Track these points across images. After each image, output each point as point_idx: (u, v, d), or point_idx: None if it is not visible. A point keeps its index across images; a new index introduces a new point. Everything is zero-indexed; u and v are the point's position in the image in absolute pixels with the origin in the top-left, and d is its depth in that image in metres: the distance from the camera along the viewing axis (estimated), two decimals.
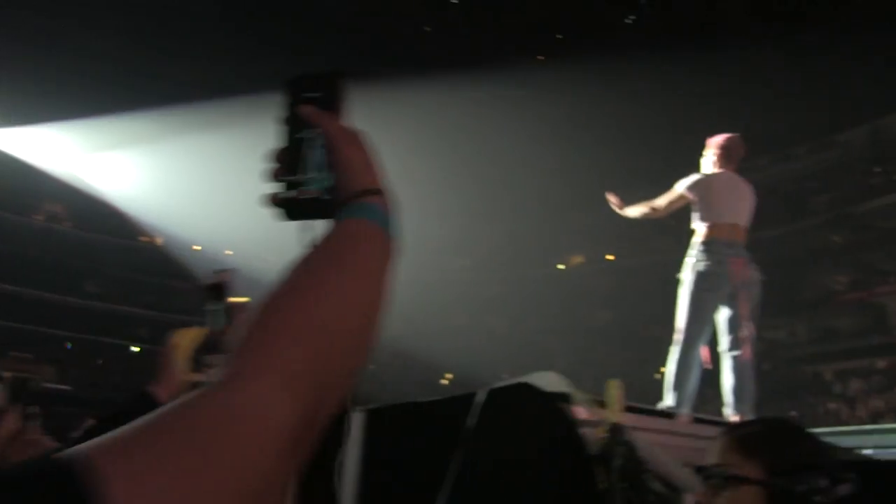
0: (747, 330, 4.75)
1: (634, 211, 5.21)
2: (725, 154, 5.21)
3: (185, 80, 35.29)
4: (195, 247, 39.93)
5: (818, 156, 40.70)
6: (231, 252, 41.42)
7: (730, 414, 4.67)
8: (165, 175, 37.94)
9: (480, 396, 2.36)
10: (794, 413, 27.81)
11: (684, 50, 33.76)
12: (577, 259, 46.13)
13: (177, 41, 35.20)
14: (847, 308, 35.37)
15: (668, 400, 4.71)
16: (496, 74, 37.95)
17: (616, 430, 2.26)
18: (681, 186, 5.02)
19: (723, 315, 4.79)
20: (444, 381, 42.75)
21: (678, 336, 4.74)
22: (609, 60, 33.92)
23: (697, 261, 4.82)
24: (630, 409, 2.49)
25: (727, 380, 4.73)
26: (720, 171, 5.18)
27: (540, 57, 38.48)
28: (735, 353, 4.74)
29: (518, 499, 2.16)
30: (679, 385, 4.71)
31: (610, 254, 43.75)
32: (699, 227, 4.95)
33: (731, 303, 4.81)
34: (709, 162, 5.27)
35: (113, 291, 39.99)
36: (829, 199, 37.91)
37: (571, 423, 2.26)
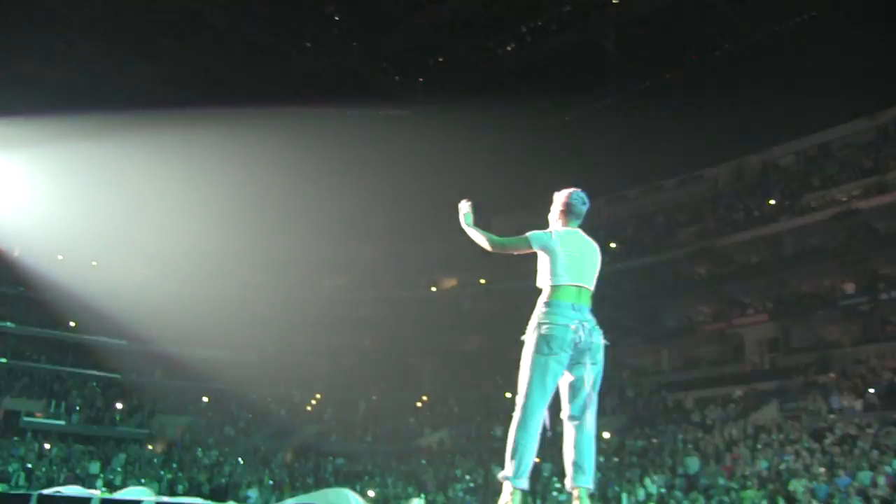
0: (591, 397, 4.51)
1: (474, 232, 4.91)
2: (569, 211, 4.96)
3: (47, 88, 33.57)
4: (59, 257, 37.84)
5: (687, 189, 42.17)
6: (95, 263, 39.64)
7: (569, 486, 4.43)
8: (25, 182, 35.91)
9: None
10: (655, 440, 28.45)
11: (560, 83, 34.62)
12: (450, 282, 46.19)
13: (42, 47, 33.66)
14: (708, 338, 36.61)
15: (508, 470, 4.44)
16: (374, 98, 37.87)
17: None
18: (530, 238, 4.75)
19: (566, 381, 4.54)
20: (313, 401, 41.94)
21: (519, 402, 4.48)
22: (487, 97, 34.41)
23: (541, 323, 4.55)
24: None
25: (568, 450, 4.49)
26: (568, 228, 4.89)
27: (420, 79, 38.46)
28: (577, 422, 4.51)
29: None
30: (518, 453, 4.44)
31: (483, 278, 43.94)
32: (545, 287, 4.69)
33: (575, 369, 4.55)
34: (554, 218, 4.99)
35: None
36: (696, 231, 39.24)
37: None
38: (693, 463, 24.57)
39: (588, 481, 4.43)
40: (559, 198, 4.98)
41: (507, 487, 4.46)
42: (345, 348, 43.90)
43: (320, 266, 45.74)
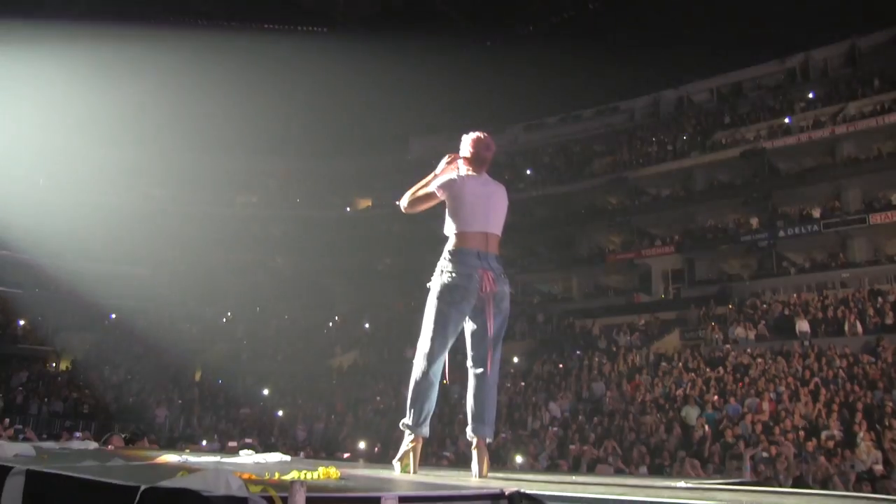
0: (493, 347, 4.53)
1: (415, 190, 4.79)
2: (475, 158, 4.80)
3: None
4: None
5: (604, 120, 42.69)
6: None
7: (469, 435, 4.49)
8: None
9: (137, 496, 1.95)
10: (561, 366, 29.28)
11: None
12: (365, 202, 45.96)
13: None
14: (617, 267, 37.61)
15: (408, 418, 4.50)
16: (291, 14, 36.80)
17: None
18: (435, 183, 4.67)
19: (469, 330, 4.55)
20: (224, 319, 41.59)
21: (420, 351, 4.49)
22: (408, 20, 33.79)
23: (445, 271, 4.46)
24: (320, 501, 2.16)
25: (469, 399, 4.53)
26: (473, 174, 4.76)
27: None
28: (479, 370, 4.51)
29: None
30: (418, 402, 4.49)
31: (397, 199, 43.69)
32: (449, 234, 4.60)
33: (478, 317, 4.48)
34: (461, 163, 4.83)
35: None
36: (610, 162, 39.86)
37: None
38: (597, 388, 25.43)
39: (487, 432, 4.48)
40: (466, 142, 4.84)
41: (407, 435, 4.51)
42: (257, 266, 43.49)
43: (232, 183, 44.87)
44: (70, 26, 30.79)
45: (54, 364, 35.42)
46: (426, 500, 2.62)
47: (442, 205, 4.71)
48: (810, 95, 36.10)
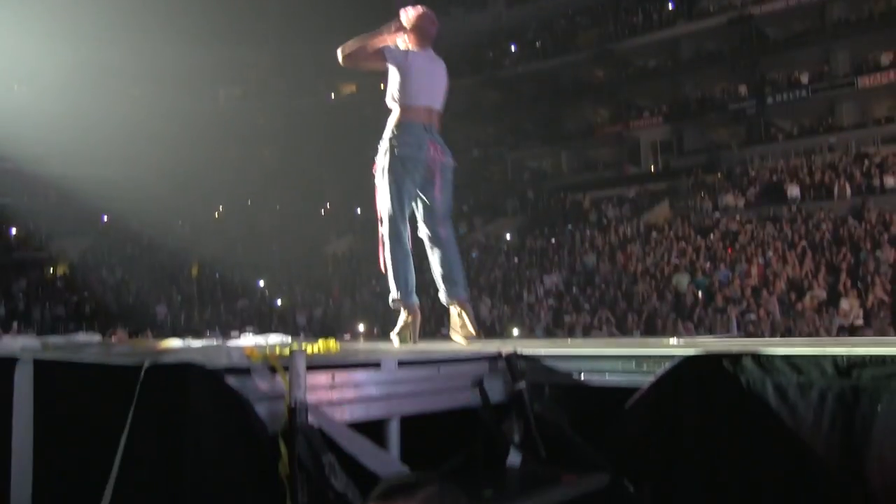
0: (447, 215, 4.64)
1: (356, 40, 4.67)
2: (420, 33, 4.73)
3: None
4: None
5: None
6: None
7: (446, 300, 4.59)
8: None
9: (142, 373, 2.00)
10: (553, 240, 29.52)
11: None
12: (350, 88, 45.22)
13: None
14: (605, 140, 37.46)
15: (394, 292, 4.58)
16: None
17: (294, 409, 1.98)
18: (385, 52, 4.56)
19: (420, 203, 4.62)
20: (216, 214, 41.62)
21: (384, 226, 4.56)
22: None
23: (394, 145, 4.50)
24: (316, 368, 2.22)
25: (435, 267, 4.62)
26: (418, 49, 4.71)
27: None
28: (439, 237, 4.60)
29: (188, 487, 1.88)
30: (400, 274, 4.57)
31: (383, 83, 43.11)
32: (394, 108, 4.59)
33: (428, 190, 4.57)
34: (403, 37, 4.74)
35: None
36: (595, 34, 39.05)
37: (242, 402, 1.97)
38: (589, 260, 25.76)
39: (461, 292, 4.62)
40: (411, 16, 4.74)
41: (403, 309, 4.63)
42: (245, 160, 43.19)
43: (214, 77, 44.02)
44: None
45: (52, 270, 35.57)
46: (424, 363, 2.69)
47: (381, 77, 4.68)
48: None
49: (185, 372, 1.94)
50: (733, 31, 33.46)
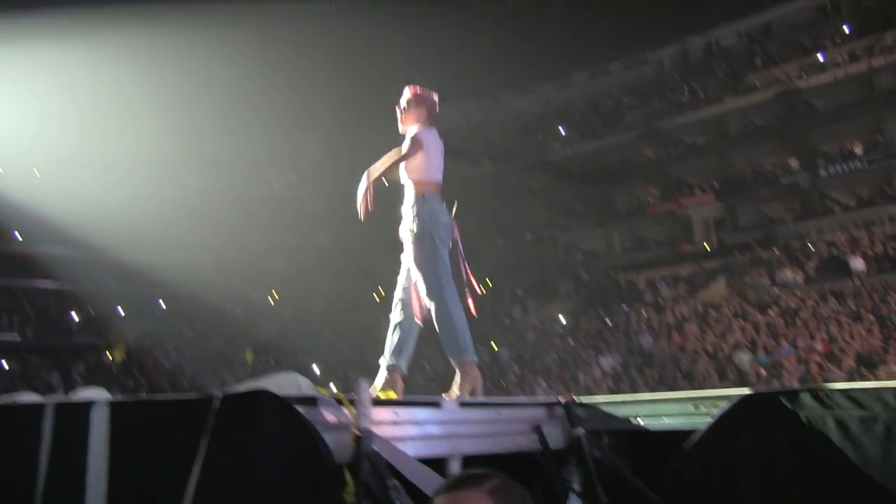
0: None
1: (378, 169, 4.88)
2: (431, 112, 5.08)
3: None
4: None
5: (633, 72, 42.20)
6: (38, 172, 38.60)
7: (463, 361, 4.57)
8: None
9: (216, 403, 2.08)
10: (608, 321, 29.27)
11: None
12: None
13: None
14: (657, 219, 37.32)
15: (468, 352, 4.59)
16: None
17: (361, 437, 2.04)
18: (417, 141, 4.86)
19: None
20: (270, 299, 42.14)
21: (439, 293, 4.68)
22: None
23: (430, 216, 4.79)
24: (381, 403, 2.28)
25: (448, 330, 4.65)
26: (429, 127, 5.01)
27: None
28: (454, 301, 4.74)
29: None
30: (464, 334, 4.61)
31: None
32: (418, 184, 4.90)
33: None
34: (416, 117, 5.06)
35: None
36: (642, 113, 39.43)
37: (311, 431, 2.03)
38: (646, 340, 25.44)
39: (473, 354, 4.64)
40: (426, 99, 5.08)
41: (471, 366, 4.59)
42: (299, 245, 43.87)
43: (268, 164, 45.24)
44: (94, 15, 31.14)
45: (109, 354, 36.24)
46: (485, 405, 2.73)
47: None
48: (845, 29, 35.08)
49: (256, 400, 2.02)
50: (781, 105, 33.50)
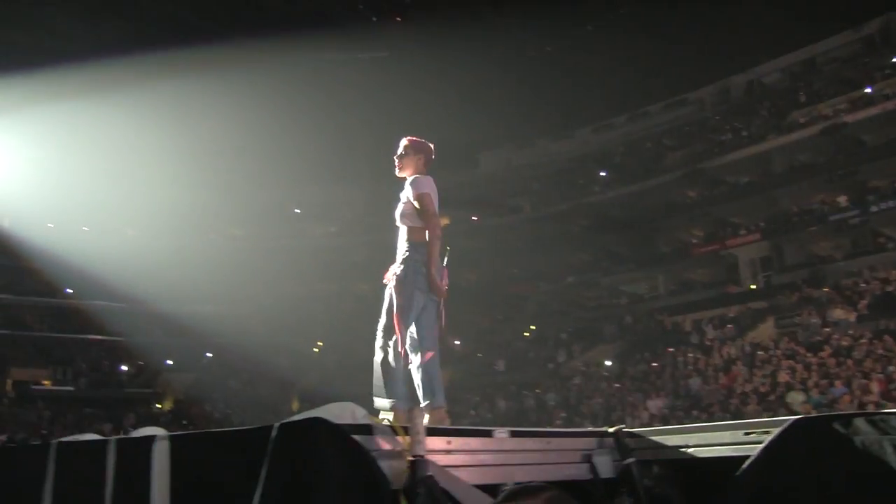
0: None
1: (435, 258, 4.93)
2: (428, 159, 5.28)
3: (15, 51, 32.96)
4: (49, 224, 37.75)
5: (673, 113, 42.17)
6: (86, 228, 39.61)
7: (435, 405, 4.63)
8: (7, 146, 35.66)
9: (274, 432, 2.14)
10: (655, 364, 28.92)
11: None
12: (443, 221, 46.22)
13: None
14: (702, 260, 36.92)
15: (441, 401, 4.65)
16: (351, 39, 37.46)
17: (416, 463, 2.08)
18: (429, 191, 5.00)
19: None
20: (315, 350, 42.35)
21: (418, 340, 4.76)
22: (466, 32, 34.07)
23: (421, 263, 4.79)
24: (434, 432, 2.32)
25: (425, 377, 4.67)
26: (427, 174, 5.17)
27: (398, 18, 38.07)
28: (431, 351, 4.78)
29: None
30: (437, 381, 4.71)
31: (475, 215, 44.21)
32: (413, 229, 4.95)
33: (435, 304, 4.85)
34: (415, 164, 5.24)
35: None
36: (684, 154, 39.31)
37: (367, 458, 2.07)
38: (694, 383, 25.06)
39: (433, 399, 4.66)
40: (423, 147, 5.26)
41: (437, 412, 4.60)
42: (342, 294, 44.16)
43: (310, 214, 45.87)
44: (133, 70, 32.05)
45: (158, 405, 36.65)
46: (535, 435, 2.74)
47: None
48: (893, 61, 34.51)
49: (314, 428, 2.07)
50: (827, 141, 33.09)
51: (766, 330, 28.80)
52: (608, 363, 31.50)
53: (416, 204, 4.92)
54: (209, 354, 40.37)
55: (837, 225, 32.17)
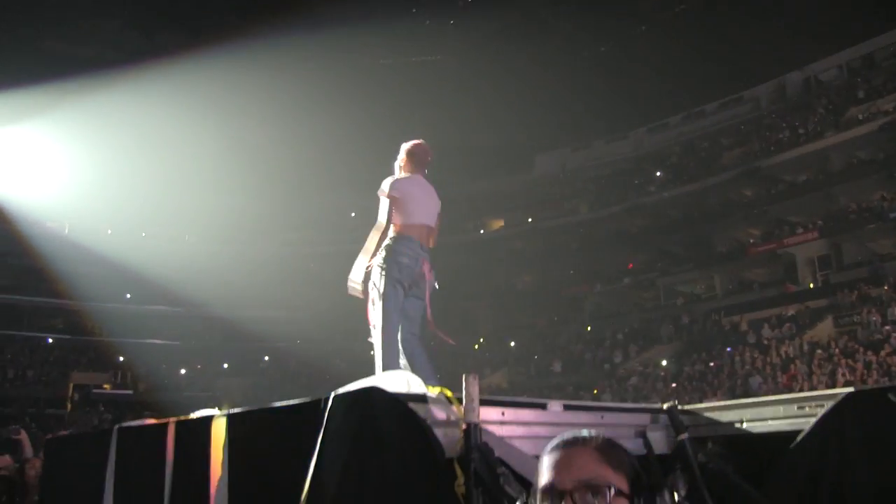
0: (421, 328, 5.03)
1: (370, 247, 5.20)
2: (415, 159, 5.46)
3: (76, 63, 33.86)
4: (108, 231, 38.74)
5: (729, 112, 41.59)
6: (144, 234, 40.47)
7: None
8: (69, 153, 36.58)
9: (329, 402, 2.22)
10: (712, 364, 28.57)
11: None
12: (498, 223, 46.35)
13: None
14: (759, 259, 36.33)
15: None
16: (405, 44, 37.71)
17: (470, 431, 2.14)
18: (387, 190, 5.24)
19: (408, 312, 5.03)
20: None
21: (379, 327, 4.92)
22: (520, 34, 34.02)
23: (394, 254, 5.00)
24: (488, 403, 2.37)
25: (419, 366, 4.80)
26: (412, 174, 5.39)
27: (451, 21, 38.20)
28: (418, 342, 4.97)
29: None
30: (388, 369, 4.78)
31: (530, 217, 44.20)
32: (395, 226, 5.17)
33: (411, 300, 5.03)
34: (400, 166, 5.50)
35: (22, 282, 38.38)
36: (740, 153, 38.75)
37: (422, 426, 2.14)
38: (753, 381, 24.73)
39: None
40: (406, 147, 5.49)
41: None
42: None
43: (364, 218, 46.18)
44: (190, 80, 32.69)
45: (217, 409, 37.19)
46: (589, 409, 2.78)
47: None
48: None
49: (370, 396, 2.14)
50: (886, 137, 32.32)
51: (824, 329, 28.29)
52: (664, 363, 31.19)
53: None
54: (266, 358, 40.90)
55: None
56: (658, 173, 42.11)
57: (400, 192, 5.20)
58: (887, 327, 25.37)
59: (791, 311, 30.72)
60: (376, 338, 4.93)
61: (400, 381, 2.28)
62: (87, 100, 32.66)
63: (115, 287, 37.65)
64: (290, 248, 43.85)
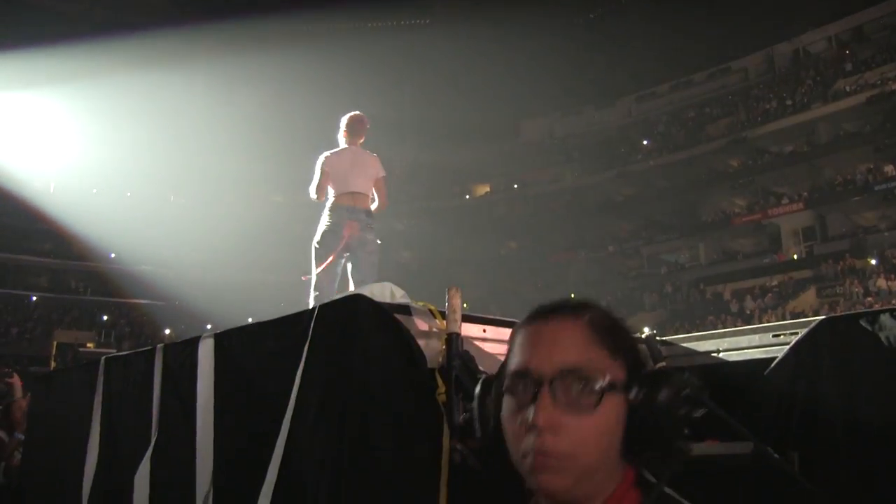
0: (369, 279, 5.54)
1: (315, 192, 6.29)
2: (349, 131, 6.26)
3: (63, 20, 33.47)
4: (93, 190, 38.50)
5: (717, 82, 41.57)
6: (129, 194, 40.25)
7: None
8: (52, 119, 36.30)
9: (315, 312, 2.25)
10: (695, 334, 28.86)
11: None
12: (483, 189, 46.36)
13: None
14: (744, 230, 36.55)
15: None
16: (396, 8, 37.41)
17: (452, 340, 2.18)
18: (318, 166, 6.17)
19: (346, 268, 5.94)
20: None
21: (312, 282, 5.84)
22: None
23: (322, 222, 5.98)
24: (470, 319, 2.42)
25: None
26: (345, 146, 6.20)
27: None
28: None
29: (356, 413, 2.08)
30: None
31: (515, 182, 44.21)
32: (329, 194, 6.06)
33: (352, 257, 5.89)
34: (339, 137, 6.31)
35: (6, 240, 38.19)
36: (727, 123, 38.81)
37: (406, 335, 2.18)
38: None
39: None
40: (342, 120, 6.34)
41: None
42: (383, 261, 44.37)
43: None
44: (180, 42, 32.41)
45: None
46: None
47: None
48: None
49: (355, 304, 2.17)
50: (873, 110, 32.45)
51: (807, 299, 28.55)
52: (647, 331, 31.42)
53: None
54: (250, 320, 40.89)
55: (883, 195, 31.63)
56: (645, 142, 42.15)
57: (329, 167, 6.03)
58: (869, 298, 25.66)
59: (775, 282, 30.98)
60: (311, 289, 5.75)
61: (385, 290, 2.32)
62: (72, 60, 32.34)
63: (100, 246, 37.49)
64: (275, 210, 43.71)
